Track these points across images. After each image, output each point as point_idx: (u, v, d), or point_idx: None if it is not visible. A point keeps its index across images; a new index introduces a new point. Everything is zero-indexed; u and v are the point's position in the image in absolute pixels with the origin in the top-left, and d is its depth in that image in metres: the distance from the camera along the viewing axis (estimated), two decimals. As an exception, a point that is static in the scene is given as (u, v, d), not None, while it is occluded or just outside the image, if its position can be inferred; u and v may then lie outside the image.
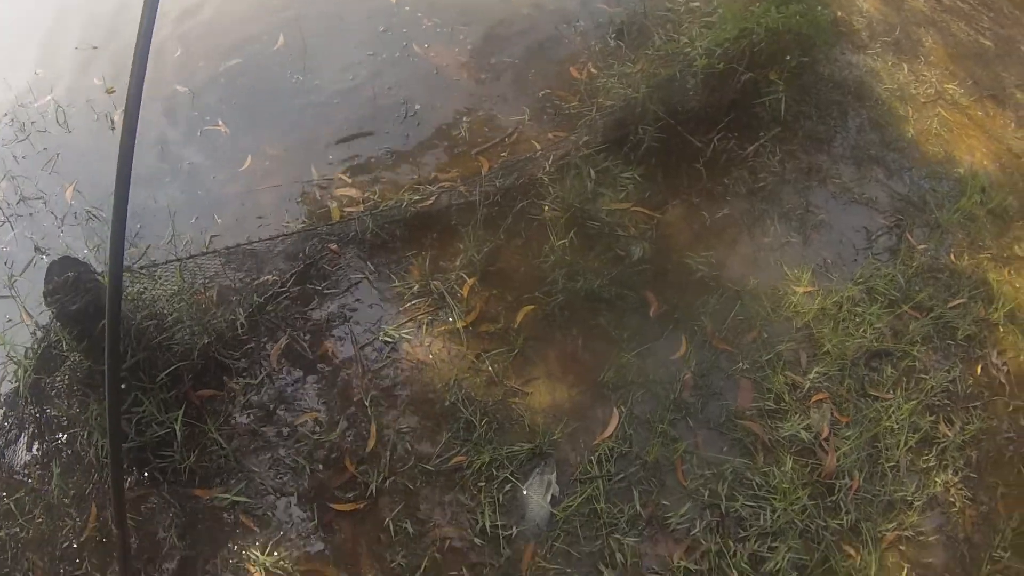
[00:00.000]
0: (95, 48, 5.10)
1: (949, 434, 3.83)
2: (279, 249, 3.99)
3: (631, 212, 4.15)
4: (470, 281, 3.85)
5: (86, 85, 4.88)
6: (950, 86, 6.23)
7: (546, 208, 4.10)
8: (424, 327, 3.77)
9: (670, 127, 4.45)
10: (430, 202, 4.12)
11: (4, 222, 4.17)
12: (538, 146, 4.49)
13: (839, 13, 6.48)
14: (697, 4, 5.81)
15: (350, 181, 4.34)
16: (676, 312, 3.87)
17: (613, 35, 5.39)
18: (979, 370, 4.19)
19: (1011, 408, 4.10)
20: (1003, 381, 4.21)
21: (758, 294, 4.03)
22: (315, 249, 3.96)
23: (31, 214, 4.22)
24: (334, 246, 3.98)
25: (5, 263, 3.96)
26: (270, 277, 3.85)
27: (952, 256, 4.72)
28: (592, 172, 4.22)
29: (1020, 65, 7.18)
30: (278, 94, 4.86)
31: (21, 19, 5.48)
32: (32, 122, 4.64)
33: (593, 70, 5.05)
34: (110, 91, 4.82)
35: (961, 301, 4.42)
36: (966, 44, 7.04)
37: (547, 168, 4.24)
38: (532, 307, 3.84)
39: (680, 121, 4.51)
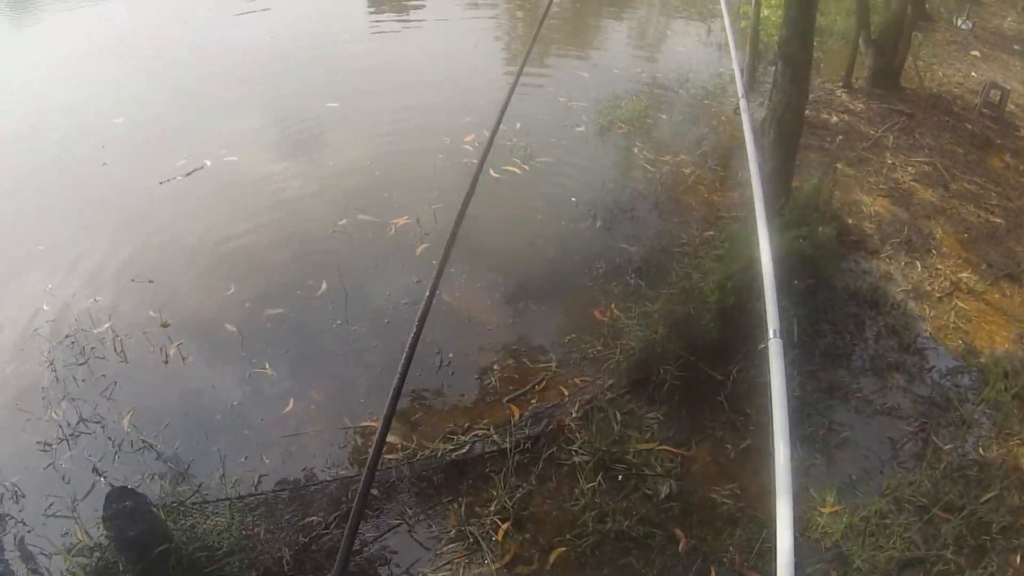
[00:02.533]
0: (150, 282, 5.81)
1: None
2: (324, 492, 4.33)
3: (657, 451, 4.46)
4: (504, 526, 4.15)
5: (142, 317, 5.48)
6: (964, 274, 6.57)
7: (575, 453, 4.48)
8: (460, 570, 4.03)
9: (690, 363, 4.89)
10: (464, 451, 4.52)
11: (63, 440, 4.59)
12: (566, 392, 4.94)
13: (849, 220, 6.97)
14: (711, 234, 6.40)
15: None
16: (704, 545, 4.09)
17: (633, 274, 5.94)
18: (1018, 560, 4.25)
19: None
20: None
21: (786, 521, 4.26)
22: (356, 494, 4.34)
23: (88, 434, 4.63)
24: (375, 492, 4.32)
25: (64, 479, 4.35)
26: (315, 518, 4.18)
27: (980, 450, 4.89)
28: (618, 415, 4.61)
29: (1033, 236, 7.52)
30: (321, 339, 5.38)
31: (76, 242, 6.30)
32: (92, 347, 5.21)
33: (616, 312, 5.56)
34: (164, 325, 5.41)
35: (993, 494, 4.56)
36: (977, 226, 7.43)
37: (574, 414, 4.67)
38: (564, 549, 4.10)
39: (700, 356, 4.95)
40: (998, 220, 7.72)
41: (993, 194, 8.30)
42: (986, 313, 6.20)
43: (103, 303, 5.62)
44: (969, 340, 5.83)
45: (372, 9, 13.23)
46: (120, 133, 8.03)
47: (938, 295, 6.25)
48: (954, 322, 5.96)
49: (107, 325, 5.39)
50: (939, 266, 6.62)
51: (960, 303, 6.21)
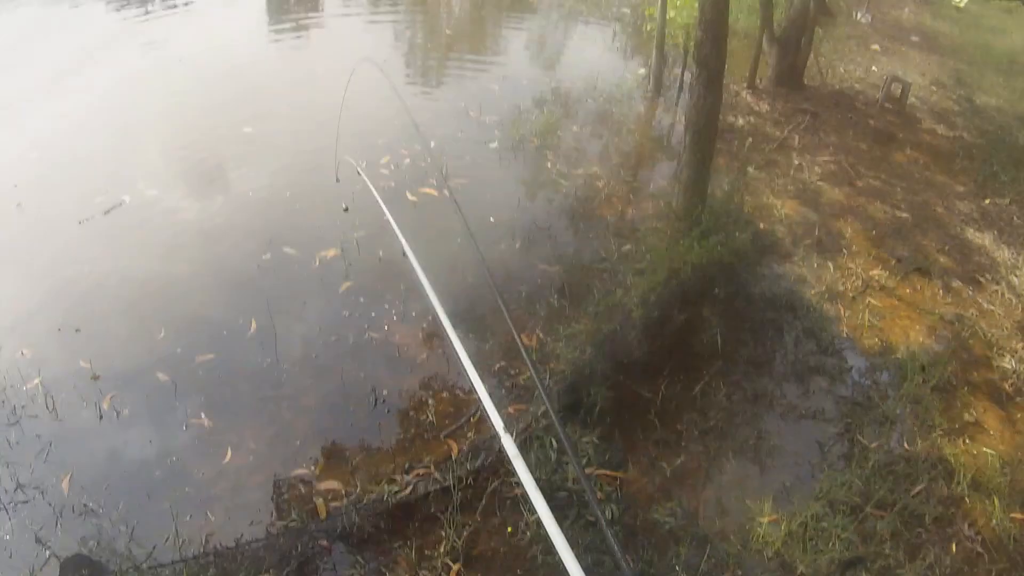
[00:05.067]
0: (78, 331, 5.72)
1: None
2: (274, 547, 4.32)
3: (595, 476, 4.63)
4: (455, 567, 4.25)
5: (72, 369, 5.39)
6: (875, 272, 7.01)
7: (516, 486, 4.61)
8: None
9: (619, 383, 5.10)
10: (408, 491, 4.59)
11: (2, 509, 4.48)
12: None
13: (761, 225, 7.35)
14: (629, 247, 6.67)
15: (331, 473, 4.80)
16: (652, 568, 4.26)
17: (556, 295, 6.14)
18: (954, 548, 4.60)
19: (994, 574, 4.48)
20: (980, 551, 4.61)
21: (726, 534, 4.47)
22: (307, 546, 4.34)
23: (27, 502, 4.52)
24: (324, 542, 4.37)
25: (7, 552, 4.24)
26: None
27: (905, 444, 5.26)
28: (553, 441, 4.79)
29: (938, 228, 8.07)
30: (254, 383, 5.40)
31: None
32: (22, 406, 5.12)
33: (541, 335, 5.76)
34: (95, 378, 5.33)
35: (922, 486, 4.91)
36: (884, 223, 7.93)
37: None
38: None
39: (628, 375, 5.17)
40: (904, 215, 8.25)
41: (898, 189, 8.86)
42: (899, 308, 6.64)
43: (30, 356, 5.52)
44: (884, 337, 6.24)
45: (272, 25, 13.34)
46: (34, 170, 7.88)
47: (851, 294, 6.66)
48: (869, 320, 6.36)
49: (36, 380, 5.30)
50: (850, 265, 7.04)
51: (873, 300, 6.63)
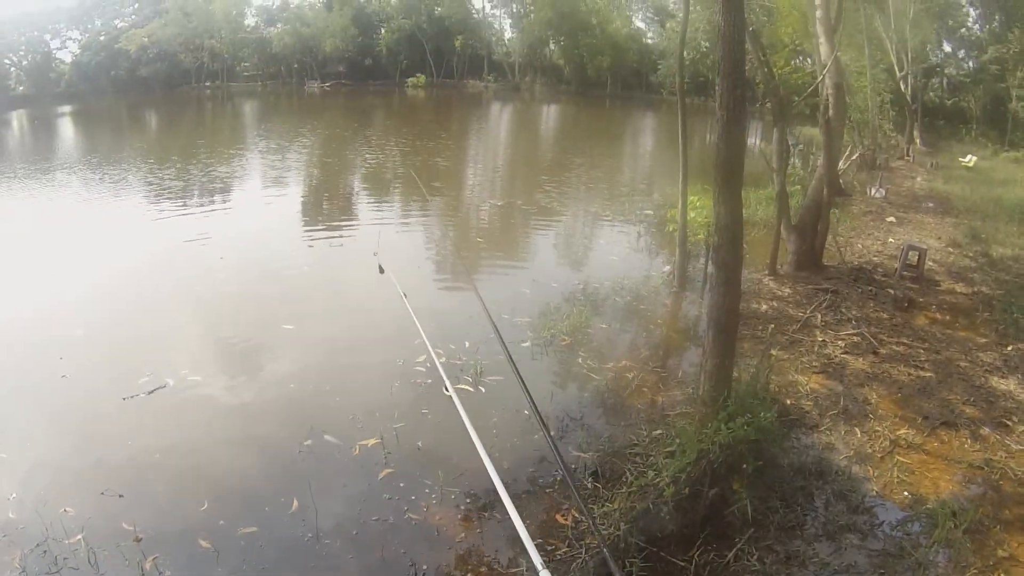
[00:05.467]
0: (121, 496, 6.16)
1: None
2: None
3: None
4: None
5: (115, 530, 5.75)
6: (902, 431, 7.40)
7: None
8: None
9: (653, 554, 5.54)
10: None
11: None
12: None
13: (788, 401, 7.87)
14: (659, 432, 7.22)
15: None
16: None
17: (590, 477, 6.66)
18: None
19: None
20: None
21: None
22: None
23: None
24: None
25: None
26: None
27: (941, 589, 5.54)
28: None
29: (963, 382, 8.48)
30: (295, 555, 5.76)
31: (41, 453, 6.68)
32: (64, 558, 5.47)
33: (576, 515, 6.22)
34: (138, 540, 5.68)
35: (958, 629, 5.18)
36: (909, 384, 8.37)
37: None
38: None
39: (661, 547, 5.60)
40: (928, 374, 8.70)
41: (921, 351, 9.35)
42: (927, 462, 6.97)
43: (73, 514, 5.97)
44: (914, 490, 6.55)
45: (307, 228, 14.87)
46: (80, 345, 8.81)
47: (879, 455, 7.02)
48: (898, 476, 6.70)
49: (79, 536, 5.72)
50: (877, 428, 7.44)
51: (901, 458, 6.98)
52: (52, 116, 51.92)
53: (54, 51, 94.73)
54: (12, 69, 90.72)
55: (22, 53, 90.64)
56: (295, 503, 6.30)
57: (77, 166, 24.34)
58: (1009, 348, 9.39)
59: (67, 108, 56.30)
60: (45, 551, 5.65)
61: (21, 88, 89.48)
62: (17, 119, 51.00)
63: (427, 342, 5.38)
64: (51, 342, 9.07)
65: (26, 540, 5.76)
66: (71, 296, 10.73)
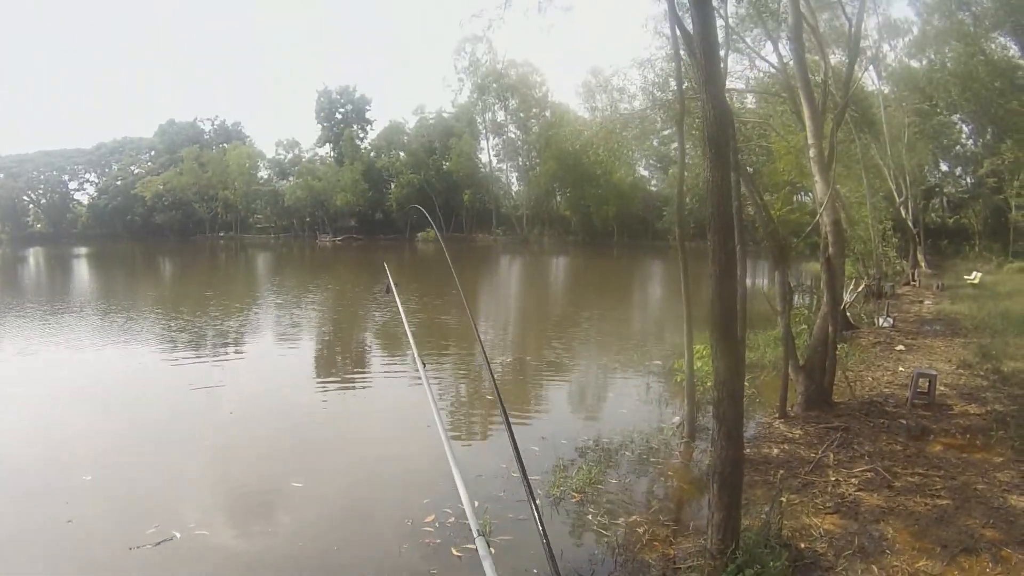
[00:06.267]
0: None
1: None
2: None
3: None
4: None
5: None
6: (921, 563, 7.42)
7: None
8: None
9: None
10: None
11: None
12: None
13: (802, 545, 7.95)
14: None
15: None
16: None
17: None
18: None
19: None
20: None
21: None
22: None
23: None
24: None
25: None
26: None
27: None
28: None
29: (981, 505, 8.54)
30: None
31: None
32: None
33: None
34: None
35: None
36: (925, 514, 8.44)
37: None
38: None
39: None
40: (945, 501, 8.77)
41: (936, 479, 9.44)
42: (949, 597, 7.02)
43: None
44: (934, 629, 6.60)
45: (319, 379, 15.14)
46: (87, 491, 8.90)
47: (898, 591, 7.09)
48: (919, 612, 6.75)
49: None
50: (895, 563, 7.46)
51: (922, 593, 7.04)
52: (68, 256, 53.51)
53: (72, 192, 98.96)
54: (31, 207, 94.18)
55: (40, 191, 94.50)
56: None
57: (88, 309, 25.53)
58: (1025, 468, 9.48)
59: (83, 249, 58.04)
60: None
61: (39, 226, 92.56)
62: (34, 256, 52.53)
63: (463, 492, 5.59)
64: (59, 488, 9.29)
65: None
66: (81, 442, 11.05)
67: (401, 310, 6.03)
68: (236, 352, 17.96)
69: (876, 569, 7.42)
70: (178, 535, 8.30)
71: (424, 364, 4.56)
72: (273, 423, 12.47)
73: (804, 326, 15.82)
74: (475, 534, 2.92)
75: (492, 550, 2.70)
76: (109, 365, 15.89)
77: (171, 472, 10.13)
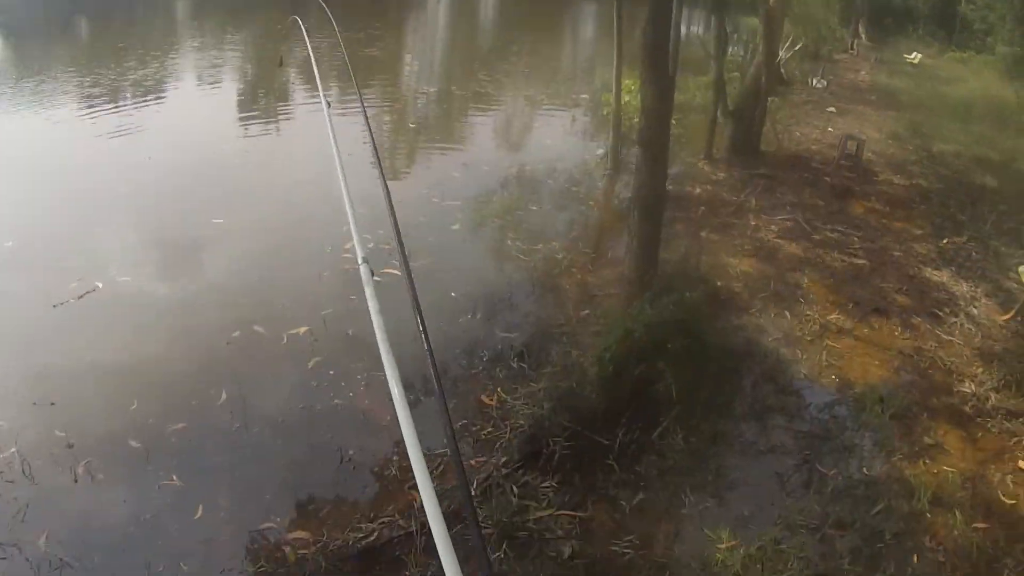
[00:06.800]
0: (52, 404, 6.00)
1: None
2: None
3: (555, 516, 4.92)
4: None
5: (48, 438, 5.63)
6: (833, 316, 7.45)
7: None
8: None
9: (577, 433, 5.48)
10: (373, 537, 4.88)
11: None
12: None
13: (718, 283, 7.84)
14: (587, 312, 7.14)
15: (300, 524, 5.07)
16: None
17: (515, 359, 6.54)
18: (916, 559, 4.87)
19: None
20: (942, 559, 4.89)
21: (685, 561, 4.80)
22: None
23: (4, 559, 4.70)
24: None
25: None
26: None
27: (865, 470, 5.57)
28: (514, 488, 5.09)
29: (896, 270, 8.57)
30: (224, 446, 5.71)
31: None
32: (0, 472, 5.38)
33: (503, 395, 6.13)
34: (70, 446, 5.58)
35: (882, 505, 5.21)
36: (841, 271, 8.42)
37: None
38: None
39: (586, 425, 5.54)
40: (862, 261, 8.76)
41: (855, 239, 9.40)
42: (857, 348, 7.05)
43: (6, 428, 5.78)
44: (843, 374, 6.62)
45: (242, 115, 14.30)
46: (6, 258, 8.33)
47: (809, 338, 7.07)
48: (827, 360, 6.75)
49: (12, 450, 5.55)
50: (808, 312, 7.48)
51: (831, 343, 7.03)
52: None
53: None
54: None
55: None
56: (223, 395, 6.16)
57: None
58: (944, 241, 9.51)
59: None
60: (-22, 469, 5.50)
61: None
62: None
63: (349, 213, 5.09)
64: None
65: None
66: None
67: (310, 49, 5.36)
68: (155, 99, 16.22)
69: (789, 316, 7.41)
70: (100, 285, 7.75)
71: (329, 104, 3.98)
72: (193, 167, 11.34)
73: (736, 73, 15.22)
74: (359, 261, 2.71)
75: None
76: (23, 126, 14.03)
77: (90, 226, 9.28)
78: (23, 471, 5.42)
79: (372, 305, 2.53)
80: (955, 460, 5.75)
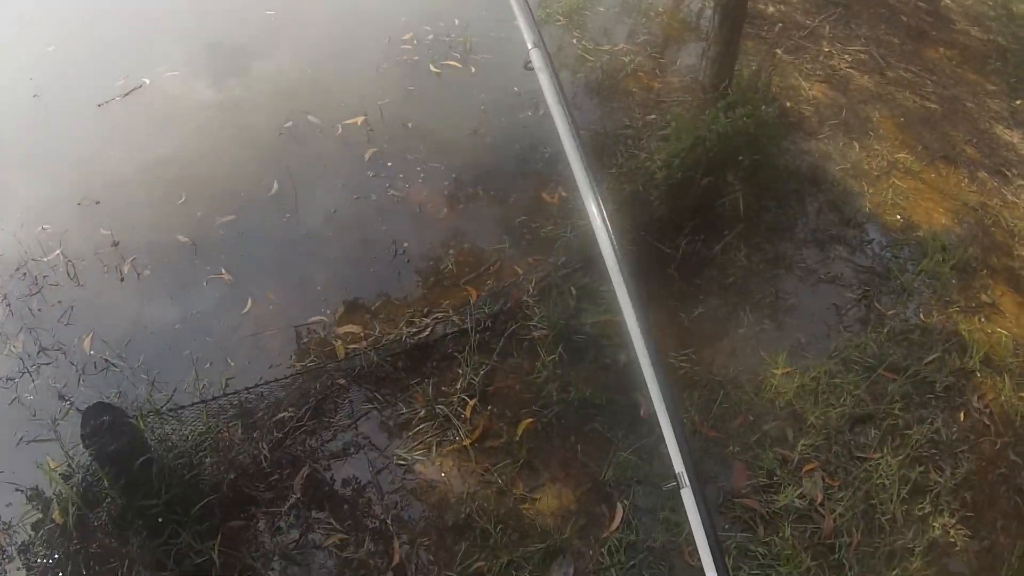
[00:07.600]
0: (97, 203, 5.81)
1: (940, 480, 4.39)
2: (292, 387, 4.54)
3: (613, 322, 4.71)
4: (471, 403, 4.42)
5: (93, 238, 5.50)
6: (901, 155, 7.03)
7: (534, 329, 4.76)
8: (433, 448, 4.30)
9: (640, 238, 5.19)
10: (426, 334, 4.76)
11: (25, 372, 4.66)
12: (520, 271, 5.21)
13: (788, 104, 7.34)
14: (653, 117, 6.68)
15: (350, 319, 4.97)
16: None
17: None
18: (962, 416, 4.77)
19: (998, 446, 4.66)
20: (987, 422, 4.78)
21: (740, 382, 4.64)
22: (325, 385, 4.54)
23: (49, 364, 4.70)
24: (342, 381, 4.55)
25: (32, 412, 4.43)
26: (286, 414, 4.38)
27: (922, 316, 5.39)
28: (573, 290, 4.90)
29: (967, 122, 8.05)
30: (273, 239, 5.54)
31: (15, 173, 6.22)
32: (44, 276, 5.23)
33: (564, 193, 5.83)
34: (115, 244, 5.44)
35: (936, 356, 5.06)
36: (913, 112, 7.90)
37: (530, 291, 4.94)
38: (530, 420, 4.40)
39: (648, 231, 5.25)
40: (934, 106, 8.21)
41: (928, 82, 8.79)
42: (923, 191, 6.67)
43: (51, 230, 5.56)
44: (907, 215, 6.30)
45: None
46: (50, 62, 7.72)
47: (876, 173, 6.68)
48: (892, 199, 6.41)
49: (58, 251, 5.38)
50: (876, 147, 7.05)
51: (898, 181, 6.65)
52: None
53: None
54: None
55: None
56: (275, 186, 5.88)
57: None
58: (1018, 102, 8.91)
59: None
60: (25, 273, 5.26)
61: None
62: None
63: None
64: (21, 67, 7.68)
65: (4, 267, 5.33)
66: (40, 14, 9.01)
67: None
68: None
69: (857, 147, 7.01)
70: (147, 81, 7.15)
71: None
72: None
73: None
74: (529, 46, 2.58)
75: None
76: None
77: (135, 24, 8.33)
78: (68, 273, 5.26)
79: (549, 92, 2.43)
80: (1009, 324, 5.55)
